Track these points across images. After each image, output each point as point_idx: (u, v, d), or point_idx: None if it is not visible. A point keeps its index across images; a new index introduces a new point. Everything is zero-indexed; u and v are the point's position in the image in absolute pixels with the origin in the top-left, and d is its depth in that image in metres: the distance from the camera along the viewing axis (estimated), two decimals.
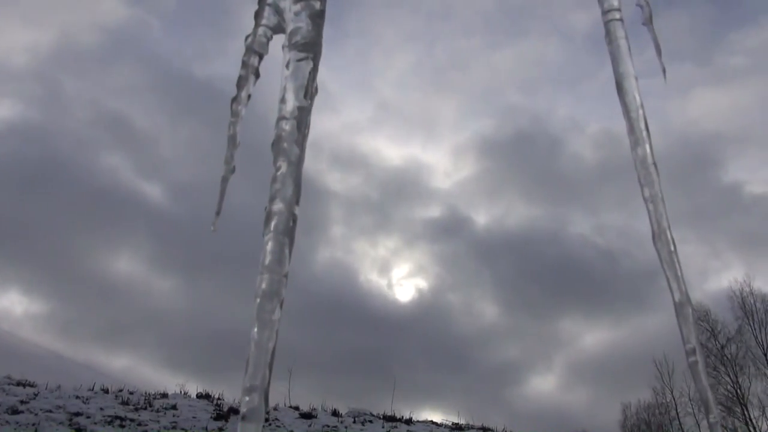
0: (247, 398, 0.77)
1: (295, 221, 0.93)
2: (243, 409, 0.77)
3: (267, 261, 0.89)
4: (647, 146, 1.26)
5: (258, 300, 0.86)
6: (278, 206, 0.92)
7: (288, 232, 0.91)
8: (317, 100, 1.04)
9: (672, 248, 1.19)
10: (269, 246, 0.90)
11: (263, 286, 0.87)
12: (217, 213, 1.13)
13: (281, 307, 0.87)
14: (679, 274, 1.17)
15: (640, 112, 1.28)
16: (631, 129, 1.27)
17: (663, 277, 1.18)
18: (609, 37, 1.36)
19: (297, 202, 0.95)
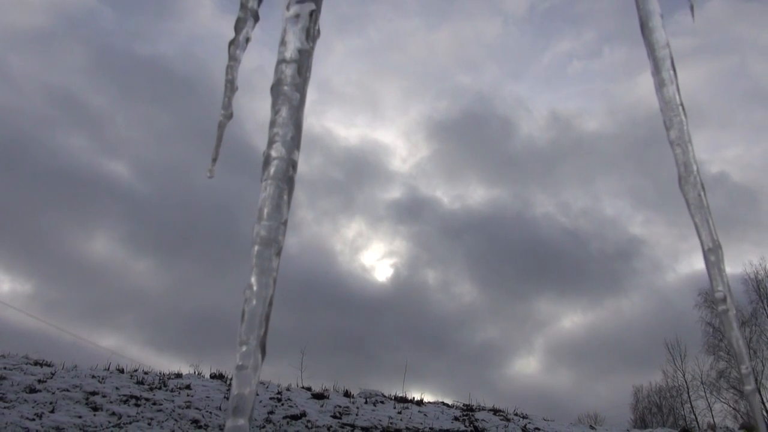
0: (243, 348, 0.72)
1: (294, 167, 0.88)
2: (239, 361, 0.72)
3: (265, 207, 0.83)
4: (674, 86, 1.20)
5: (256, 247, 0.81)
6: (277, 151, 0.87)
7: (287, 179, 0.86)
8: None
9: (701, 191, 1.14)
10: (267, 192, 0.84)
11: (262, 233, 0.81)
12: (214, 159, 1.08)
13: (279, 255, 0.82)
14: (709, 217, 1.11)
15: (666, 50, 1.21)
16: (657, 69, 1.21)
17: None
18: None
19: (297, 148, 0.89)
